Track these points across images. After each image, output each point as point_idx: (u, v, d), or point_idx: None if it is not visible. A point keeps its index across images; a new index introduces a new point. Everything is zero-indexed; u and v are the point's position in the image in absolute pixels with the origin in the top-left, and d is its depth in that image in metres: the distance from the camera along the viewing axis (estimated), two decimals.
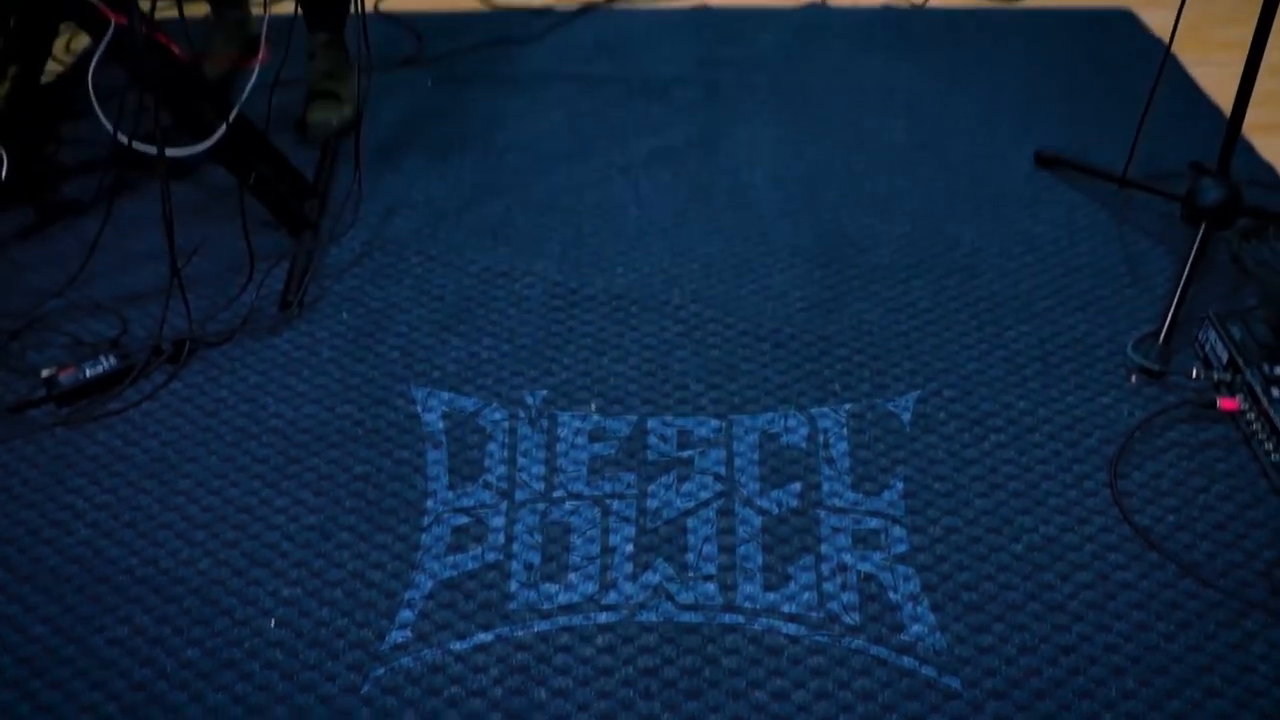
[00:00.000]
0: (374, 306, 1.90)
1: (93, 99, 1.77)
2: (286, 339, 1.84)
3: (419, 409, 1.70)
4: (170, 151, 1.74)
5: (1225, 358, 1.70)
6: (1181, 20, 1.93)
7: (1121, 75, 2.65)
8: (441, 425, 1.67)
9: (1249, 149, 2.32)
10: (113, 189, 1.99)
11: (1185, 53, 2.69)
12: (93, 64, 1.77)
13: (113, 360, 1.75)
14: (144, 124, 1.72)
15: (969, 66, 2.69)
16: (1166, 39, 1.97)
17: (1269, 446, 1.58)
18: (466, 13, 2.99)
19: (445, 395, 1.72)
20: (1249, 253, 2.02)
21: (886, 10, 2.97)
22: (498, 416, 1.68)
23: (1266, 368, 1.64)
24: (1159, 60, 2.00)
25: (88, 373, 1.73)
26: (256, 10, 2.76)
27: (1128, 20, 2.91)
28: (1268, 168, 2.29)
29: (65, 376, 1.71)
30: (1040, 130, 2.42)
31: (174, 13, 2.44)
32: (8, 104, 1.92)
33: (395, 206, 2.16)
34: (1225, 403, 1.65)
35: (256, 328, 1.86)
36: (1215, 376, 1.70)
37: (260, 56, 1.79)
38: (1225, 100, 2.03)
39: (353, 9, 2.00)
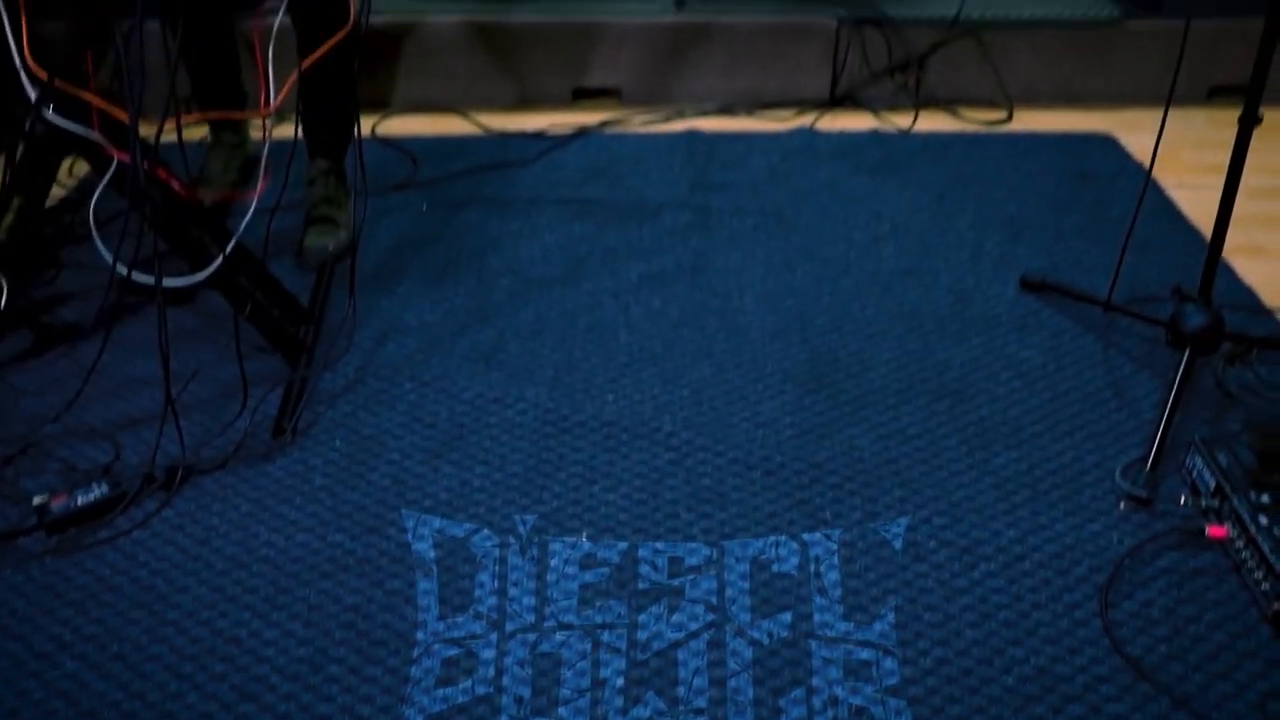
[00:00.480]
0: (367, 433, 1.92)
1: (93, 231, 1.81)
2: (280, 466, 1.84)
3: (410, 537, 1.70)
4: (168, 281, 1.76)
5: (1212, 484, 1.71)
6: (1162, 144, 1.97)
7: (1104, 197, 2.71)
8: (432, 554, 1.67)
9: (1230, 272, 2.37)
10: (111, 314, 2.02)
11: (1165, 176, 2.76)
12: (95, 197, 1.81)
13: (105, 488, 1.75)
14: (143, 251, 1.75)
15: (956, 189, 2.74)
16: (1147, 163, 2.02)
17: (1258, 575, 1.58)
18: (462, 136, 3.06)
19: (436, 523, 1.72)
20: (1233, 377, 2.04)
21: (874, 134, 3.04)
22: (489, 544, 1.68)
23: (1253, 495, 1.65)
24: (1140, 182, 2.05)
25: (79, 501, 1.73)
26: (255, 134, 2.82)
27: (1109, 144, 2.98)
28: (1249, 291, 2.32)
29: (57, 505, 1.72)
30: (1026, 251, 2.46)
31: (173, 135, 2.48)
32: (11, 234, 1.95)
33: (389, 331, 2.18)
34: (1214, 530, 1.66)
35: (250, 454, 1.86)
36: (1203, 503, 1.71)
37: (259, 188, 1.82)
38: (1205, 222, 2.07)
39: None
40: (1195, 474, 1.77)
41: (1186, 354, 1.94)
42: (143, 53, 1.58)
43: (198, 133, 2.70)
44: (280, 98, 1.80)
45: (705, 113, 3.17)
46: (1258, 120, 1.86)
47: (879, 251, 2.47)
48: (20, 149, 1.89)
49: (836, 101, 3.20)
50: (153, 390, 1.94)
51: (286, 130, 2.41)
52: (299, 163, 2.22)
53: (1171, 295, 2.21)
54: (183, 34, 2.45)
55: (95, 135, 1.72)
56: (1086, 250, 2.47)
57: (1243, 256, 2.42)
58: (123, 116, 1.70)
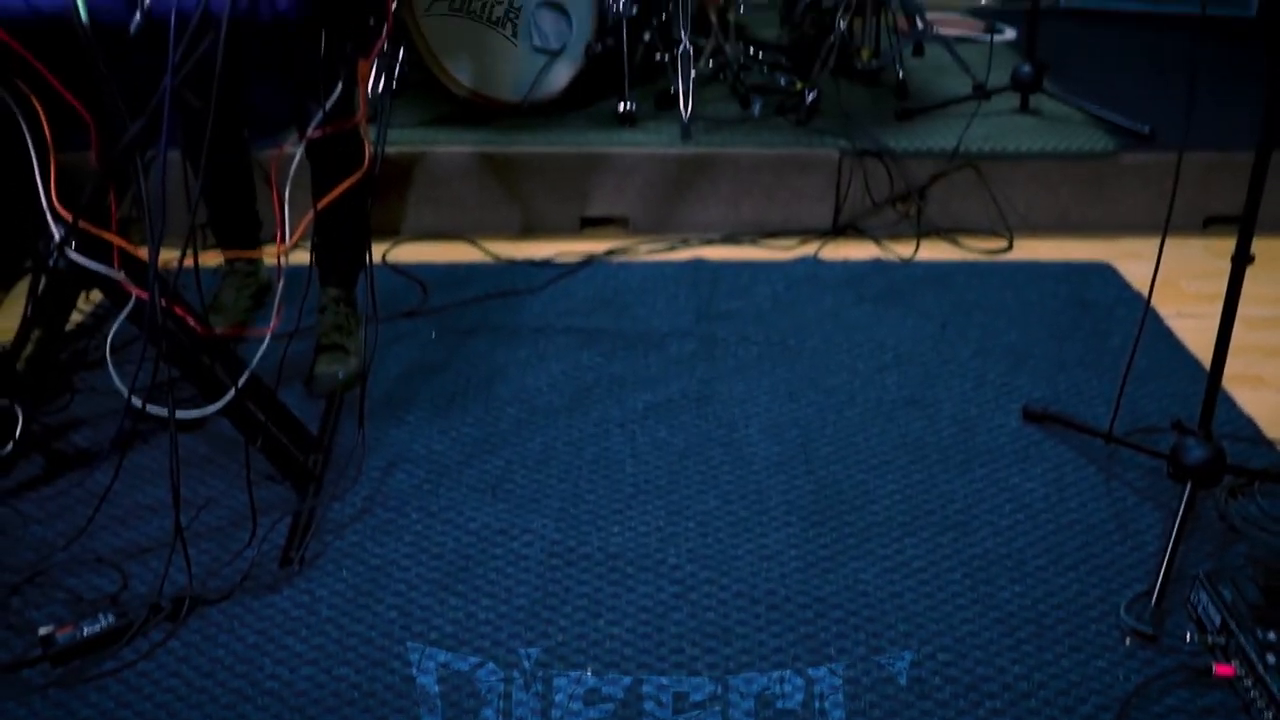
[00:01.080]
0: (373, 563, 1.92)
1: (109, 362, 1.84)
2: (286, 596, 1.85)
3: (415, 671, 1.70)
4: (180, 413, 1.79)
5: (1218, 620, 1.71)
6: (1160, 274, 2.01)
7: (1104, 326, 2.74)
8: (437, 689, 1.66)
9: (1230, 402, 2.39)
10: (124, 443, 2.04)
11: (1164, 305, 2.80)
12: (111, 331, 1.85)
13: (111, 618, 1.76)
14: (157, 379, 1.78)
15: (958, 317, 2.78)
16: (1146, 292, 2.05)
17: (1268, 716, 1.57)
18: (471, 264, 3.11)
19: (441, 656, 1.72)
20: (1236, 510, 2.05)
21: (877, 263, 3.09)
22: (493, 679, 1.68)
23: (1260, 632, 1.65)
24: (1139, 311, 2.08)
25: (85, 632, 1.73)
26: (268, 260, 2.87)
27: (1109, 273, 3.03)
28: (1249, 422, 2.34)
29: (62, 635, 1.72)
30: (1028, 381, 2.49)
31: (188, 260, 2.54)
32: (29, 365, 1.99)
33: (397, 460, 2.20)
34: (1220, 668, 1.65)
35: (257, 585, 1.87)
36: (1209, 640, 1.71)
37: (272, 324, 1.86)
38: (1205, 352, 2.10)
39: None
40: (1201, 609, 1.77)
41: (1188, 488, 1.95)
42: (164, 189, 1.63)
43: (211, 258, 2.76)
44: (296, 236, 1.85)
45: (710, 241, 3.22)
46: (1250, 259, 1.90)
47: (882, 381, 2.50)
48: (41, 283, 1.93)
49: (839, 230, 3.26)
50: (162, 518, 1.95)
51: (298, 256, 2.46)
52: (310, 290, 2.26)
53: (1172, 428, 2.22)
54: (195, 156, 2.51)
55: (116, 274, 1.77)
56: (1088, 380, 2.50)
57: (1243, 387, 2.45)
58: (142, 256, 1.74)
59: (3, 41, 1.52)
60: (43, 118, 1.62)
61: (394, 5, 1.86)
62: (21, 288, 2.83)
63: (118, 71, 1.57)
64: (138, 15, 1.48)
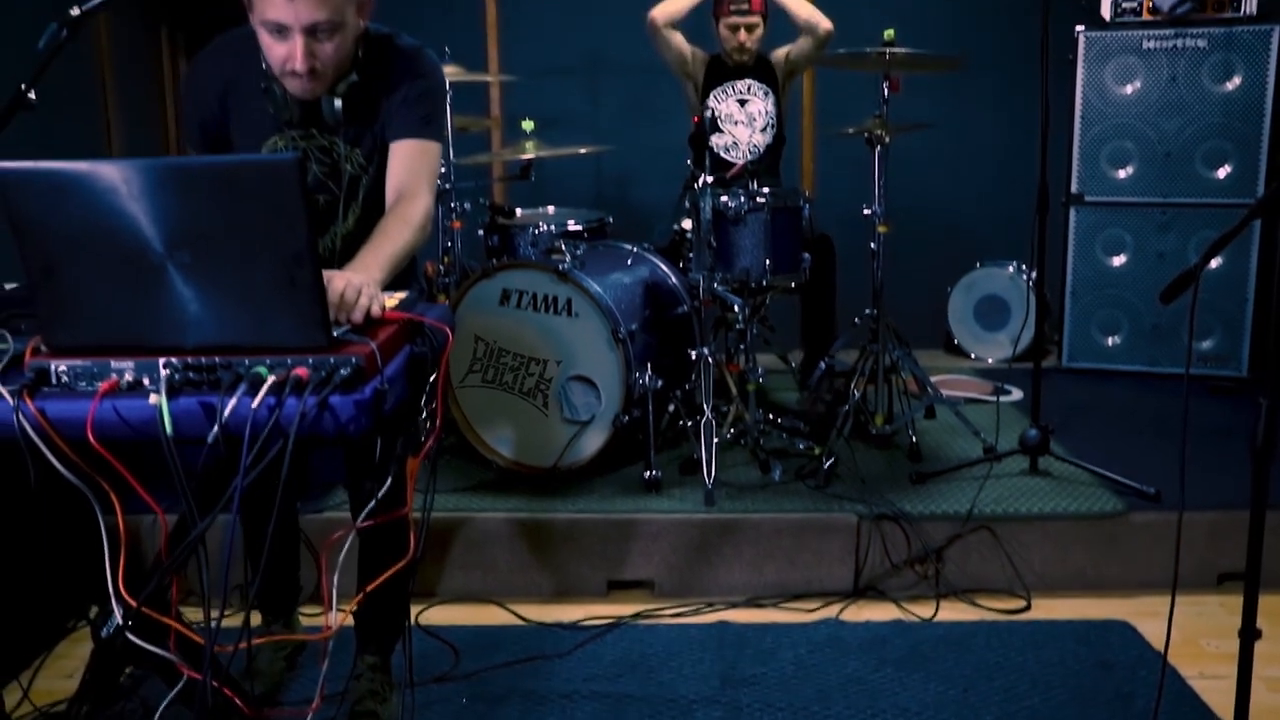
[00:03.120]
0: None
1: None
2: None
3: None
4: None
5: None
6: (1179, 632, 2.06)
7: (1126, 689, 2.77)
8: None
9: None
10: None
11: (1184, 665, 2.84)
12: (160, 710, 1.93)
13: None
14: None
15: (979, 682, 2.82)
16: (1162, 647, 2.10)
17: None
18: (501, 626, 3.19)
19: None
20: None
21: (897, 624, 3.16)
22: None
23: None
24: (1158, 669, 2.12)
25: None
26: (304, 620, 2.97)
27: (1128, 632, 3.08)
28: None
29: None
30: None
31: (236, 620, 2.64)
32: None
33: None
34: None
35: None
36: None
37: (315, 705, 1.94)
38: (1228, 712, 2.13)
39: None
40: None
41: None
42: (226, 583, 1.76)
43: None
44: (340, 620, 1.96)
45: (734, 604, 3.31)
46: (1257, 634, 1.98)
47: None
48: (95, 660, 2.03)
49: (860, 592, 3.35)
50: None
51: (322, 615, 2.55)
52: (345, 656, 2.34)
53: None
54: (249, 527, 2.65)
55: (171, 655, 1.87)
56: None
57: None
58: (197, 639, 1.85)
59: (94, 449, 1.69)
60: (119, 514, 1.77)
61: (442, 411, 2.05)
62: (62, 647, 2.96)
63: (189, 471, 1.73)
64: (215, 428, 1.66)
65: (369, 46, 2.41)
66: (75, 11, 2.10)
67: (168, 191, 1.69)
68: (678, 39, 4.58)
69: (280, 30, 2.21)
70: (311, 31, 2.20)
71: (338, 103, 2.33)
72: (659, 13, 4.51)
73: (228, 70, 2.43)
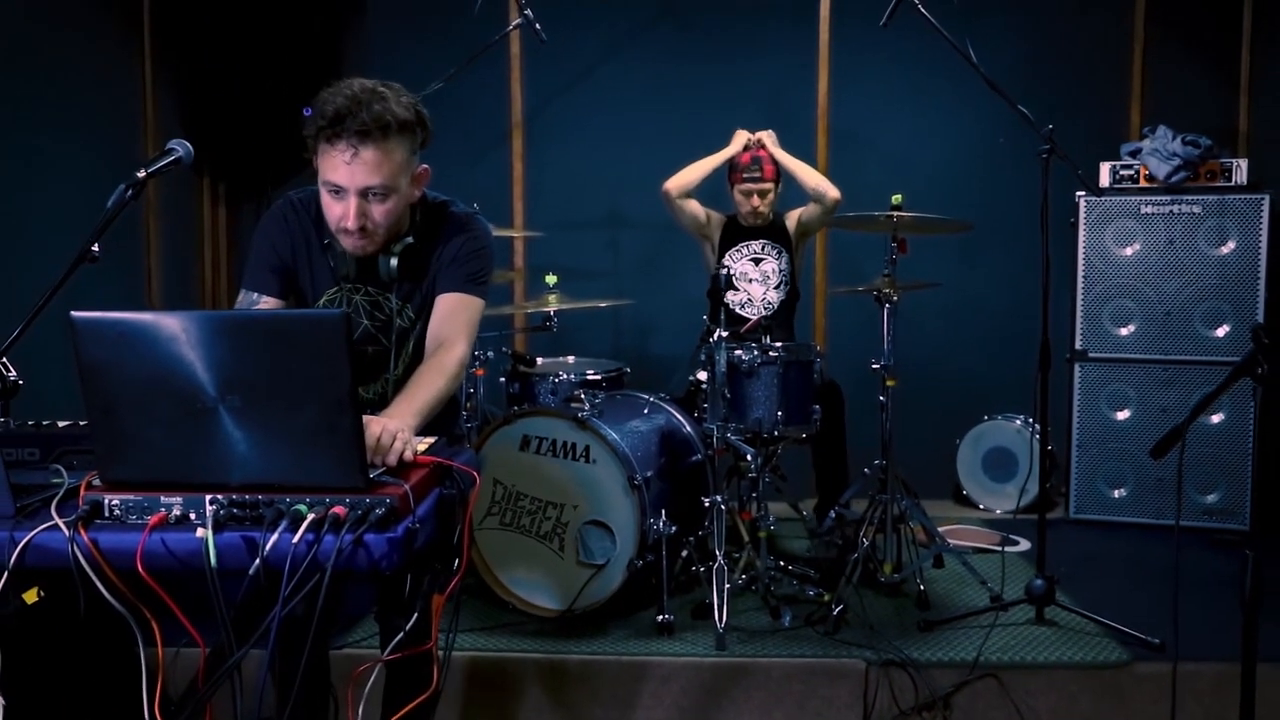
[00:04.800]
0: None
1: None
2: None
3: None
4: None
5: None
6: None
7: None
8: None
9: None
10: None
11: None
12: None
13: None
14: None
15: None
16: None
17: None
18: None
19: None
20: None
21: None
22: None
23: None
24: None
25: None
26: None
27: None
28: None
29: None
30: None
31: None
32: None
33: None
34: None
35: None
36: None
37: None
38: None
39: None
40: None
41: None
42: (260, 699, 1.85)
43: None
44: None
45: None
46: None
47: None
48: None
49: None
50: None
51: None
52: None
53: None
54: (282, 657, 2.73)
55: None
56: None
57: None
58: None
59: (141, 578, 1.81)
60: (159, 643, 1.87)
61: (470, 551, 2.17)
62: None
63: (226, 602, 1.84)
64: (257, 561, 1.78)
65: (425, 211, 2.61)
66: (141, 174, 2.29)
67: (224, 341, 1.85)
68: (692, 205, 4.78)
69: (338, 191, 2.40)
70: (365, 194, 2.40)
71: (393, 261, 2.52)
72: (672, 185, 4.72)
73: (301, 225, 2.64)
